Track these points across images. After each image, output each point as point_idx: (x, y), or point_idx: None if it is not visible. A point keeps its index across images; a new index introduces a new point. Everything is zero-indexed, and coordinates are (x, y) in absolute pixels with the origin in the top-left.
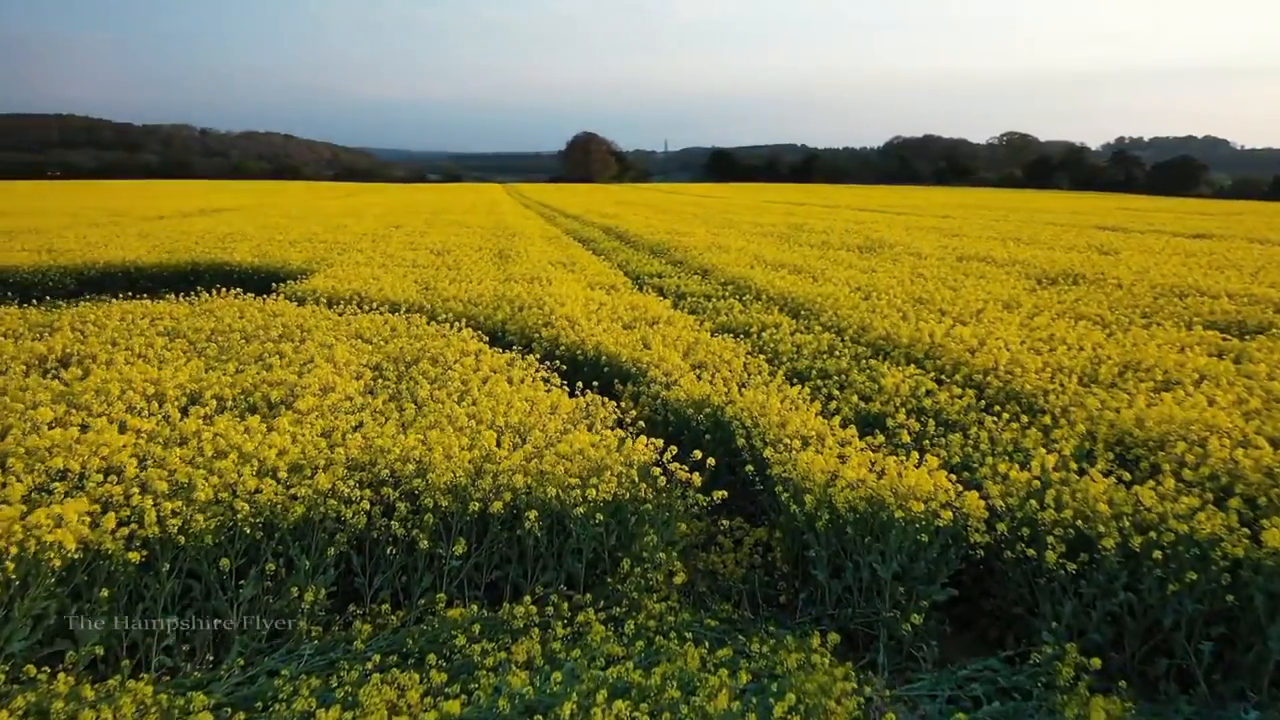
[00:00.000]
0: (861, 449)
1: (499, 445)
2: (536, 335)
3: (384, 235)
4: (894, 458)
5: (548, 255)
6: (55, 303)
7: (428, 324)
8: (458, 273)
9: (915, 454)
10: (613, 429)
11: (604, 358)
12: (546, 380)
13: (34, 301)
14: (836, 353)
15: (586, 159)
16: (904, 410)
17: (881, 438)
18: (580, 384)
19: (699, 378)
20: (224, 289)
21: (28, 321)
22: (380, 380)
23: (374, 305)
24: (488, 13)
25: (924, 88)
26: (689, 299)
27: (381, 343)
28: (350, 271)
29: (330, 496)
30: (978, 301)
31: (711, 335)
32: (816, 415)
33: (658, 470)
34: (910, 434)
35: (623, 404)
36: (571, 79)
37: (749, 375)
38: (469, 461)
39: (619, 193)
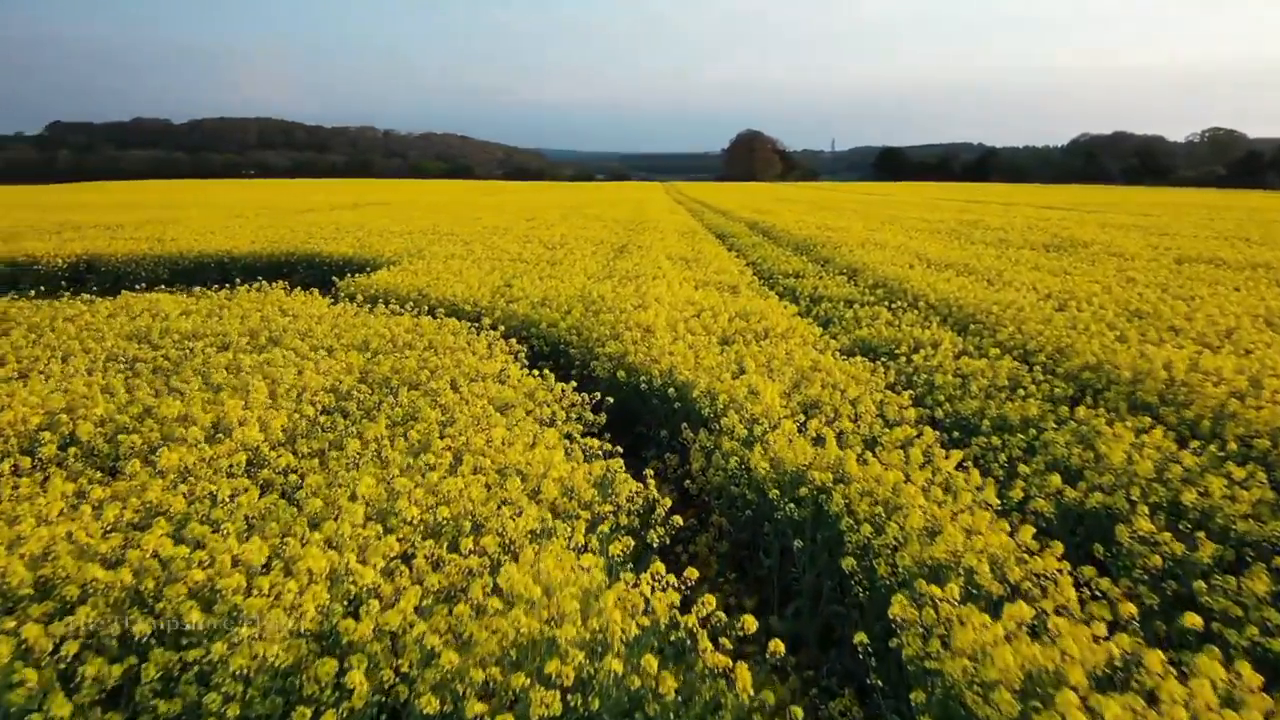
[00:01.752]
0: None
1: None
2: (599, 349)
3: (508, 229)
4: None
5: (671, 250)
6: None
7: (466, 332)
8: (555, 269)
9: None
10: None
11: (673, 388)
12: (579, 418)
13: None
14: (1022, 388)
15: (750, 158)
16: (1146, 512)
17: (1115, 588)
18: (604, 439)
19: (803, 427)
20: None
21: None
22: (320, 423)
23: (430, 305)
24: (660, 13)
25: (1114, 82)
26: (823, 305)
27: (378, 356)
28: (434, 265)
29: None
30: (1224, 316)
31: (839, 356)
32: (991, 517)
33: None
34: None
35: (674, 463)
36: (741, 78)
37: (882, 426)
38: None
39: (777, 190)
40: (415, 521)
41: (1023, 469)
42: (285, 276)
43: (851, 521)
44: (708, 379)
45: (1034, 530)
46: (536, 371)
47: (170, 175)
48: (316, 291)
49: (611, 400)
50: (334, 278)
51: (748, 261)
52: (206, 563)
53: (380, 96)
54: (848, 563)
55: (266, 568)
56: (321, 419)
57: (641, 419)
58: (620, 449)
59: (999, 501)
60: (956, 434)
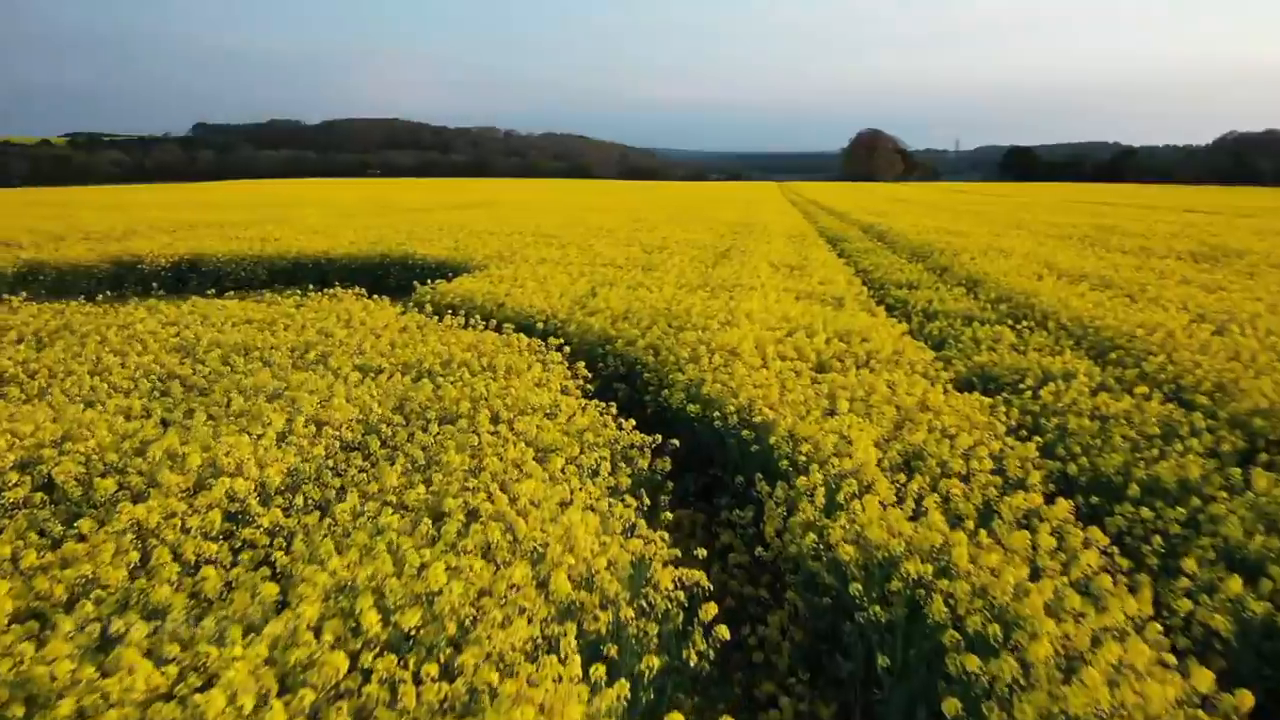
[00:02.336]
0: None
1: None
2: (675, 374)
3: (611, 230)
4: None
5: (776, 256)
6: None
7: (531, 350)
8: (648, 275)
9: None
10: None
11: (749, 428)
12: (634, 468)
13: (188, 291)
14: (1178, 438)
15: (870, 157)
16: None
17: None
18: (670, 484)
19: (902, 491)
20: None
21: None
22: (336, 462)
23: (505, 317)
24: (780, 12)
25: (1267, 77)
26: (938, 322)
27: (423, 380)
28: (520, 271)
29: None
30: None
31: (952, 388)
32: (1151, 655)
33: None
34: None
35: (748, 518)
36: (862, 76)
37: (1001, 488)
38: None
39: (896, 190)
40: (374, 641)
41: (1188, 564)
42: (380, 279)
43: (958, 637)
44: (792, 418)
45: (1212, 675)
46: (599, 403)
47: (300, 174)
48: (386, 300)
49: (679, 441)
50: (416, 282)
51: (857, 269)
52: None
53: (502, 98)
54: (950, 706)
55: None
56: (340, 456)
57: (717, 459)
58: (676, 495)
59: (1154, 611)
60: (1096, 499)
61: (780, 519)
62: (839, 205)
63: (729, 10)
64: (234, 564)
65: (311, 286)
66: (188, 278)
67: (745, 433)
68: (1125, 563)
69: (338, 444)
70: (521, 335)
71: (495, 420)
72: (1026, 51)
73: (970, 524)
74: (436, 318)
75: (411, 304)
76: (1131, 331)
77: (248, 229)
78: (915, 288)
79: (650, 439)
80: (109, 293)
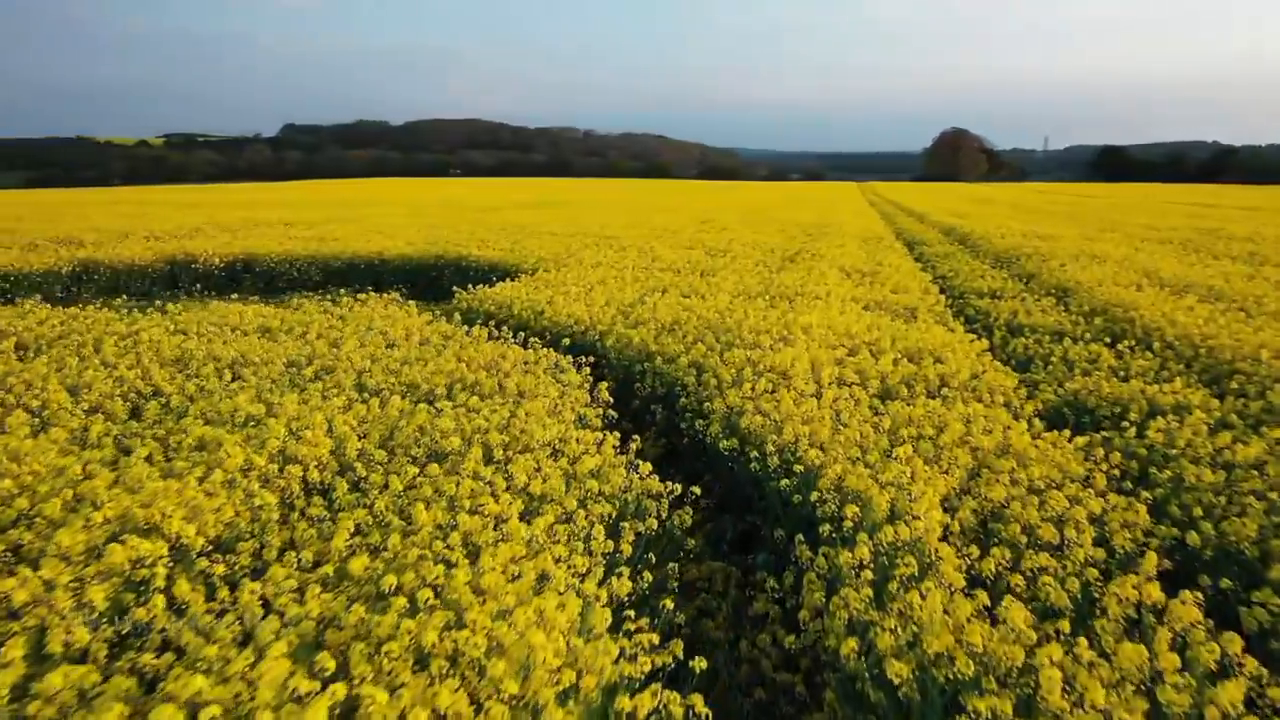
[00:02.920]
0: None
1: None
2: (715, 400)
3: (677, 231)
4: None
5: (847, 261)
6: (250, 295)
7: (557, 367)
8: (706, 281)
9: None
10: None
11: (789, 475)
12: (648, 523)
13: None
14: None
15: (954, 157)
16: None
17: None
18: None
19: (973, 571)
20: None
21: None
22: (289, 509)
23: (541, 328)
24: (862, 10)
25: None
26: (1024, 338)
27: (422, 405)
28: (567, 276)
29: None
30: None
31: (1038, 422)
32: None
33: None
34: None
35: (788, 582)
36: (947, 75)
37: (1104, 573)
38: None
39: (980, 190)
40: None
41: None
42: (435, 281)
43: None
44: (843, 464)
45: None
46: (617, 437)
47: (384, 173)
48: (413, 306)
49: (720, 479)
50: (456, 287)
51: (935, 276)
52: None
53: (583, 98)
54: None
55: None
56: (301, 501)
57: (755, 505)
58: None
59: None
60: (1227, 583)
61: (820, 599)
62: (918, 206)
63: (815, 9)
64: (110, 660)
65: (364, 288)
66: (241, 278)
67: (784, 481)
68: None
69: (300, 487)
70: (550, 350)
71: (489, 459)
72: (1119, 48)
73: (1064, 624)
74: (466, 327)
75: (441, 312)
76: (1252, 353)
77: (311, 228)
78: (998, 297)
79: (669, 488)
80: (162, 292)
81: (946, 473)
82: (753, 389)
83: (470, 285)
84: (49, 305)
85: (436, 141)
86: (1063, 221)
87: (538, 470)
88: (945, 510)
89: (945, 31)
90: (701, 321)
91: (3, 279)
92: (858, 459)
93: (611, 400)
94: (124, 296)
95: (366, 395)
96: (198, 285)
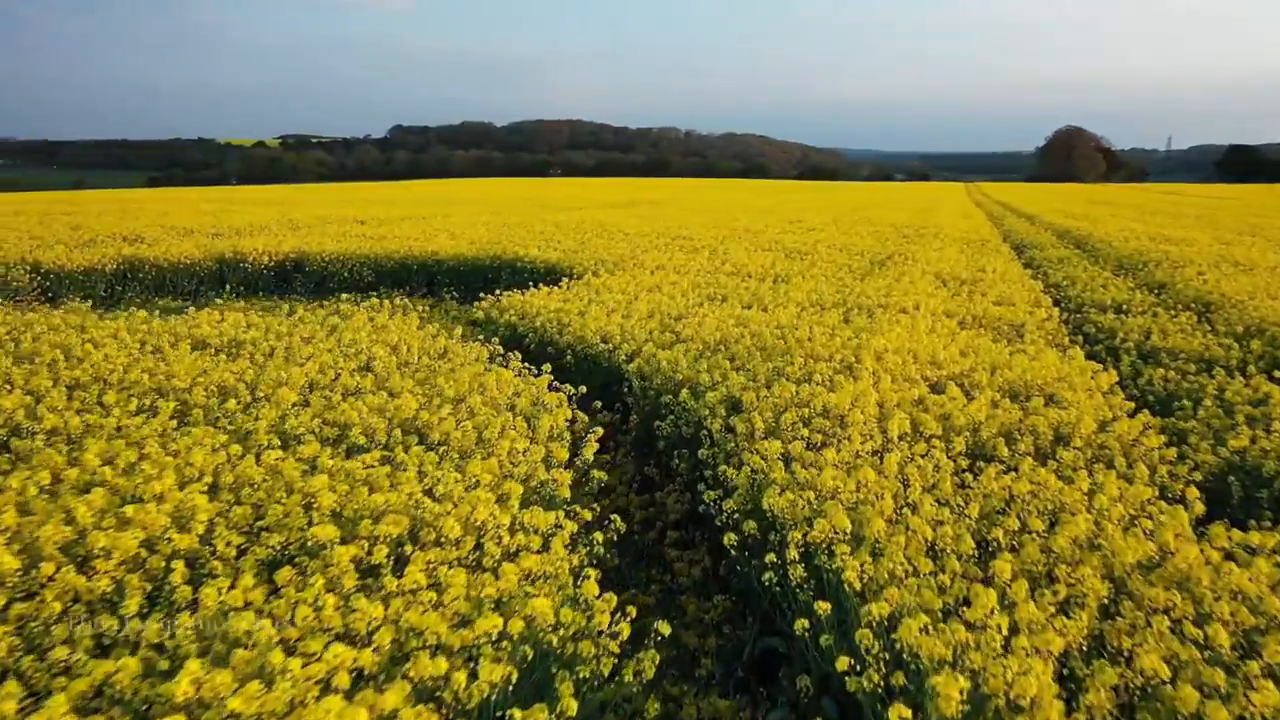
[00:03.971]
0: None
1: None
2: (745, 456)
3: (760, 232)
4: None
5: (944, 266)
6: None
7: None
8: (776, 290)
9: None
10: None
11: (822, 599)
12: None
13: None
14: None
15: (1068, 157)
16: None
17: None
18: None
19: None
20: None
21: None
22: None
23: (568, 342)
24: (971, 6)
25: None
26: (1160, 368)
27: (355, 456)
28: (612, 282)
29: None
30: None
31: (1198, 504)
32: None
33: None
34: None
35: None
36: (1061, 72)
37: None
38: None
39: (1097, 192)
40: None
41: None
42: (491, 282)
43: None
44: (904, 593)
45: None
46: (583, 548)
47: (487, 173)
48: (416, 315)
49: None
50: (484, 293)
51: (1047, 284)
52: None
53: (685, 99)
54: None
55: None
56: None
57: (779, 624)
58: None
59: None
60: None
61: None
62: (1029, 207)
63: (924, 6)
64: None
65: (418, 291)
66: (291, 277)
67: (819, 606)
68: None
69: (94, 593)
70: (546, 378)
71: (398, 566)
72: (1247, 42)
73: None
74: (470, 340)
75: (473, 318)
76: None
77: (381, 226)
78: (1125, 312)
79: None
80: (208, 292)
81: (1065, 609)
82: (793, 441)
83: (522, 288)
84: (88, 304)
85: (539, 142)
86: (1193, 224)
87: (435, 602)
88: (1062, 690)
89: (1060, 27)
90: (755, 340)
91: (44, 276)
92: (926, 577)
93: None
94: (169, 296)
95: (285, 441)
96: (242, 286)
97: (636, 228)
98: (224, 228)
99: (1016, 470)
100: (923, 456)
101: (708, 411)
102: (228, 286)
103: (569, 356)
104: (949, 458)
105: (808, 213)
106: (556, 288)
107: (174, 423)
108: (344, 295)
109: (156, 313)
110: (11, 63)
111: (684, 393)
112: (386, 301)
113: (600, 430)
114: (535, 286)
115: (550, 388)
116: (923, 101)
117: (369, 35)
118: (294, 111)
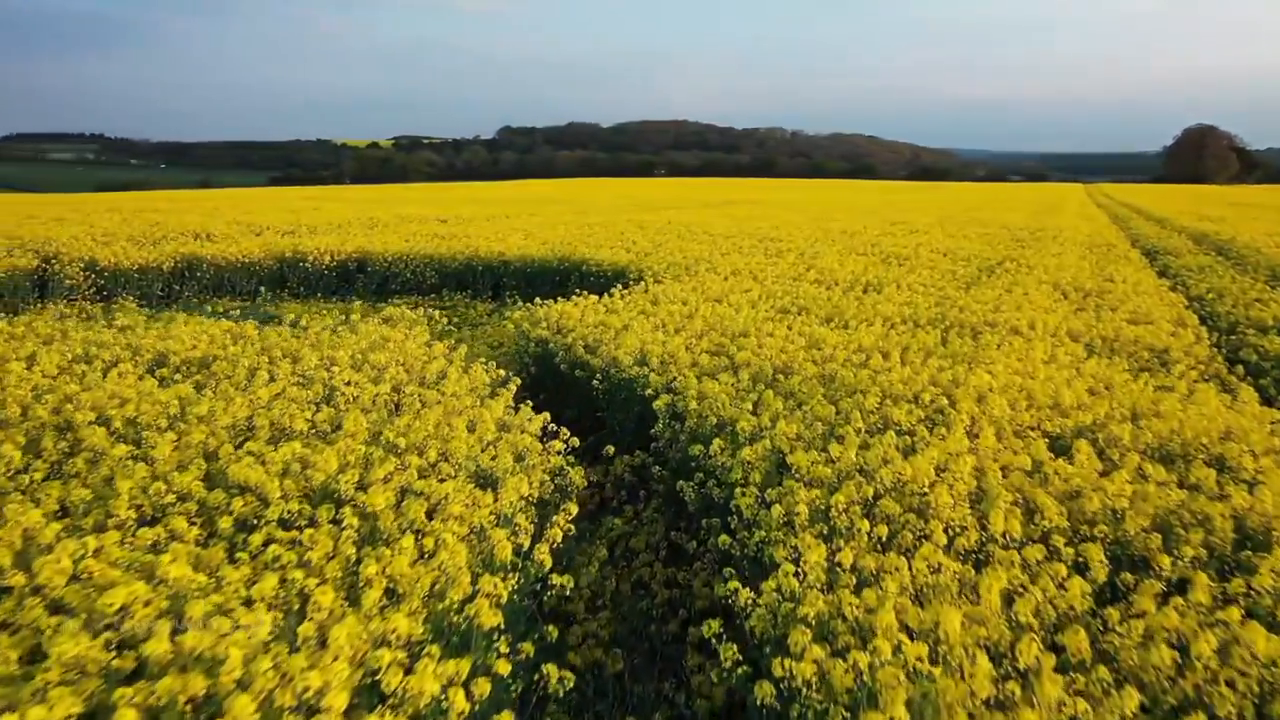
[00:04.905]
0: None
1: None
2: (745, 602)
3: (856, 234)
4: None
5: (1064, 275)
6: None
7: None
8: (863, 301)
9: None
10: None
11: None
12: None
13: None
14: None
15: (1199, 157)
16: None
17: None
18: None
19: None
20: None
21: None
22: None
23: (600, 364)
24: (1095, 2)
25: None
26: None
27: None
28: (687, 287)
29: None
30: None
31: None
32: None
33: None
34: None
35: None
36: (1190, 68)
37: None
38: None
39: (1233, 193)
40: None
41: None
42: (560, 285)
43: None
44: None
45: None
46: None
47: (592, 174)
48: (423, 329)
49: None
50: (511, 301)
51: (1190, 298)
52: None
53: (791, 99)
54: None
55: None
56: None
57: None
58: None
59: None
60: None
61: None
62: (1158, 209)
63: (1038, 2)
64: None
65: (483, 294)
66: (354, 278)
67: None
68: None
69: None
70: (540, 419)
71: None
72: None
73: None
74: (478, 360)
75: (503, 328)
76: None
77: (463, 224)
78: None
79: None
80: (268, 293)
81: None
82: (849, 527)
83: (596, 291)
84: (142, 305)
85: (643, 143)
86: None
87: None
88: None
89: (1187, 21)
90: (827, 367)
91: (99, 274)
92: None
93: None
94: (227, 296)
95: (152, 516)
96: (302, 287)
97: (724, 228)
98: (300, 226)
99: (1185, 592)
100: (1047, 576)
101: (740, 474)
102: (287, 287)
103: (598, 382)
104: (1081, 581)
105: (912, 213)
106: (607, 296)
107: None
108: (395, 300)
109: (208, 309)
110: (150, 69)
111: (716, 442)
112: (407, 311)
113: (579, 485)
114: (601, 290)
115: (547, 429)
116: (1040, 99)
117: (480, 38)
118: (407, 113)
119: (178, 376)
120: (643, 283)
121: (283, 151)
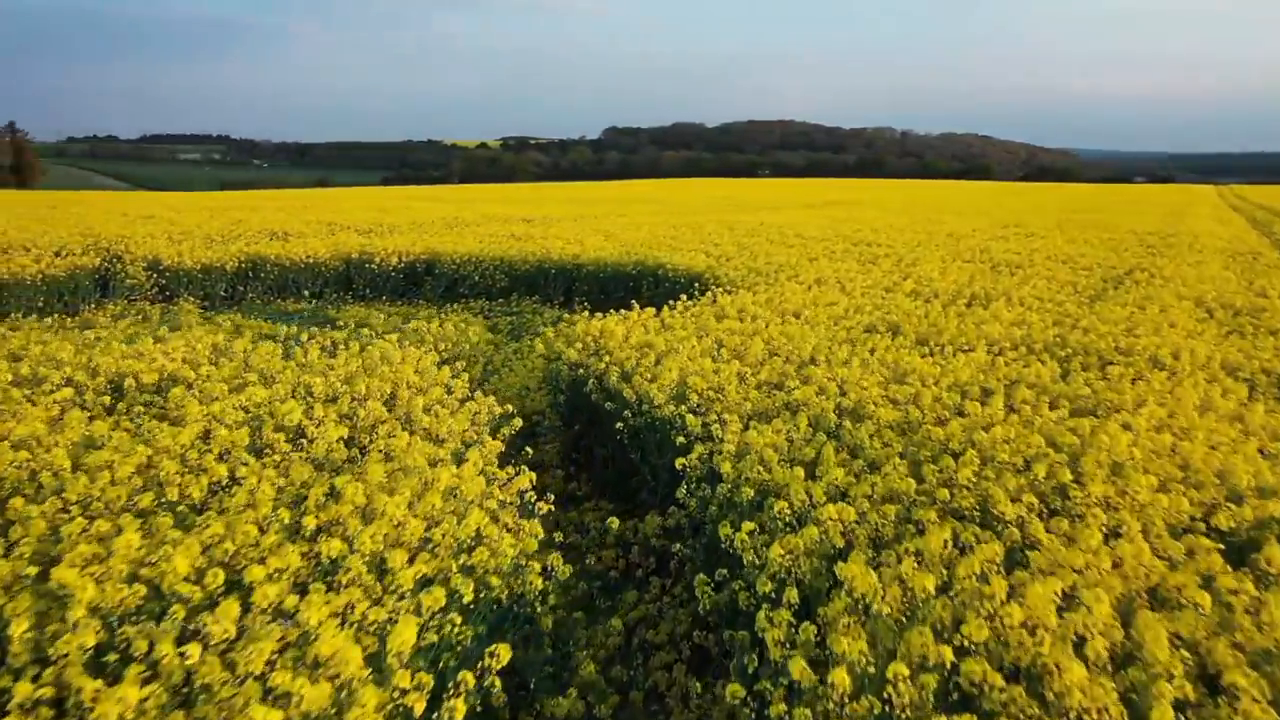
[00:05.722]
0: None
1: None
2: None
3: (963, 237)
4: None
5: (1206, 288)
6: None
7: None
8: (967, 317)
9: None
10: None
11: None
12: None
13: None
14: None
15: None
16: None
17: None
18: None
19: None
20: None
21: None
22: None
23: (631, 399)
24: None
25: None
26: None
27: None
28: (761, 298)
29: None
30: None
31: None
32: None
33: None
34: None
35: None
36: None
37: None
38: None
39: None
40: None
41: None
42: (635, 290)
43: None
44: None
45: None
46: None
47: (696, 174)
48: (429, 348)
49: None
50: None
51: None
52: None
53: (900, 98)
54: None
55: None
56: None
57: None
58: None
59: None
60: None
61: None
62: None
63: None
64: None
65: (553, 299)
66: (421, 280)
67: None
68: None
69: None
70: (525, 478)
71: None
72: None
73: None
74: (484, 386)
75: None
76: None
77: (545, 225)
78: None
79: None
80: (333, 295)
81: None
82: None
83: (672, 297)
84: (204, 306)
85: (749, 143)
86: None
87: None
88: None
89: None
90: (910, 412)
91: (161, 274)
92: None
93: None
94: (292, 298)
95: None
96: (368, 289)
97: (817, 231)
98: (381, 224)
99: None
100: None
101: (770, 587)
102: (353, 289)
103: (624, 420)
104: None
105: (1026, 215)
106: (666, 309)
107: None
108: (460, 304)
109: (269, 311)
110: (274, 73)
111: (743, 531)
112: (428, 324)
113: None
114: (677, 296)
115: (525, 500)
116: (1165, 97)
117: (587, 39)
118: (516, 114)
119: (139, 405)
120: (710, 293)
121: (395, 152)
